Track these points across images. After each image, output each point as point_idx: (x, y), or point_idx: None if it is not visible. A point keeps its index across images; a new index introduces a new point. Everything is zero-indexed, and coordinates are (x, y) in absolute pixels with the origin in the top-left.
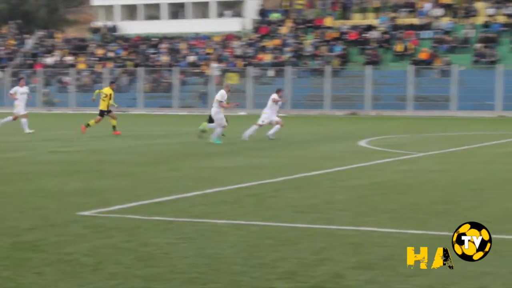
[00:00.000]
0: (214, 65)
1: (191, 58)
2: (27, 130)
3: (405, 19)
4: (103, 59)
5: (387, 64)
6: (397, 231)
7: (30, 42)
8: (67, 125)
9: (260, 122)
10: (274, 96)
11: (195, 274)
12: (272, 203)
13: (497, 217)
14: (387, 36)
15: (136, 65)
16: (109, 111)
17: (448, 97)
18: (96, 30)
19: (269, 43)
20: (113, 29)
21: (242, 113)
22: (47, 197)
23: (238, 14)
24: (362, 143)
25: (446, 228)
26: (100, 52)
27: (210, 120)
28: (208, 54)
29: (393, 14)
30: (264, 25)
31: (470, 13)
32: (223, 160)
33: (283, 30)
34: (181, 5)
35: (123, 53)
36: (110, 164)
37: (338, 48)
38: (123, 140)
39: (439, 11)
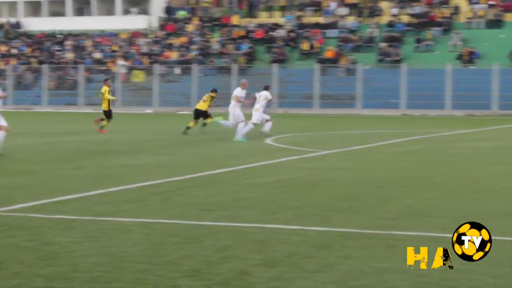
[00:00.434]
0: (120, 62)
1: (97, 55)
2: None
3: (311, 18)
4: (6, 56)
5: (293, 62)
6: (302, 228)
7: None
8: None
9: (255, 121)
10: (266, 94)
11: (98, 272)
12: (178, 201)
13: (398, 214)
14: (293, 34)
15: (41, 62)
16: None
17: (353, 96)
18: None
19: (176, 41)
20: (17, 25)
21: (148, 111)
22: None
23: (144, 12)
24: (268, 141)
25: (350, 225)
26: (3, 49)
27: (196, 115)
28: (114, 51)
29: (299, 13)
30: (171, 22)
31: (375, 12)
32: (129, 158)
33: (190, 28)
34: (87, 2)
35: (27, 50)
36: (13, 162)
37: (245, 47)
38: (26, 138)
39: (344, 10)
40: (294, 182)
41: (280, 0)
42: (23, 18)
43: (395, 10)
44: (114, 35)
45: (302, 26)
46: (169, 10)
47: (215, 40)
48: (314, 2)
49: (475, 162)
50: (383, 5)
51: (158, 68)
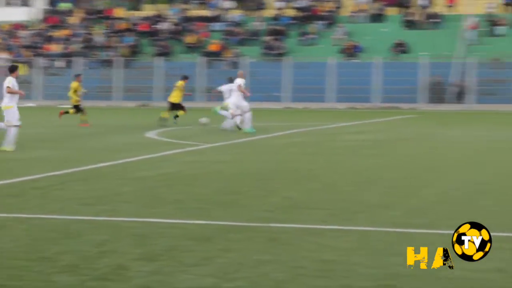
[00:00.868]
0: (1, 55)
1: None
2: None
3: (196, 10)
4: None
5: (178, 55)
6: (182, 222)
7: None
8: None
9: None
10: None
11: None
12: (58, 196)
13: (279, 207)
14: (178, 27)
15: None
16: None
17: None
18: None
19: (58, 33)
20: None
21: (31, 104)
22: None
23: (25, 3)
24: (151, 134)
25: (231, 218)
26: None
27: (173, 108)
28: None
29: (184, 6)
30: (53, 15)
31: (260, 6)
32: (8, 153)
33: (73, 20)
34: None
35: None
36: None
37: (129, 39)
38: None
39: (229, 4)
40: (176, 176)
41: None
42: None
43: (280, 4)
44: None
45: (187, 19)
46: (52, 2)
47: (99, 33)
48: None
49: (356, 154)
50: None
51: (40, 61)
